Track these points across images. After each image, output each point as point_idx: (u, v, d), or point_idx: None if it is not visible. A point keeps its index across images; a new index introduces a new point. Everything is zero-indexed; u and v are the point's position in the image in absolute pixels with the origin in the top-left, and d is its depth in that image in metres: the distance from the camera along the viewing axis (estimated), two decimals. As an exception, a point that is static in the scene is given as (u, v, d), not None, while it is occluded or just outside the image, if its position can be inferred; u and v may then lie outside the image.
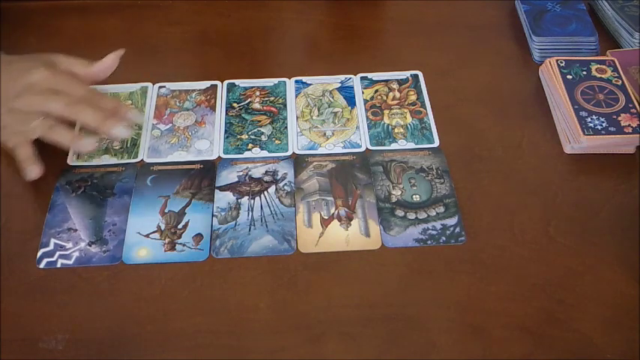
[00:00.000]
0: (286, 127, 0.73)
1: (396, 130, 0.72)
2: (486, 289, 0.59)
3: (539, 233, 0.63)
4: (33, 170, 0.66)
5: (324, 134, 0.72)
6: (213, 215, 0.64)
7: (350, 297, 0.58)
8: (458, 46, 0.83)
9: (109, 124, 0.67)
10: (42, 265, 0.61)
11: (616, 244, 0.62)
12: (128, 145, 0.71)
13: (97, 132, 0.68)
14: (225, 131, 0.73)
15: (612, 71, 0.74)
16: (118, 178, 0.68)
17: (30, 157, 0.66)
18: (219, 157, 0.70)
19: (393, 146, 0.71)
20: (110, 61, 0.72)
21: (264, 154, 0.70)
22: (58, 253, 0.62)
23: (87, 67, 0.71)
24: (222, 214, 0.65)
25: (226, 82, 0.78)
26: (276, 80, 0.78)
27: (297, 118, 0.74)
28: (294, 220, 0.64)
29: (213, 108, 0.75)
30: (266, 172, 0.68)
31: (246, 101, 0.76)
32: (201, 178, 0.68)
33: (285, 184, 0.67)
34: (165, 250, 0.62)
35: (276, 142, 0.71)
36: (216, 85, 0.78)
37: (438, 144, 0.71)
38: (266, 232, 0.63)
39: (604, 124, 0.68)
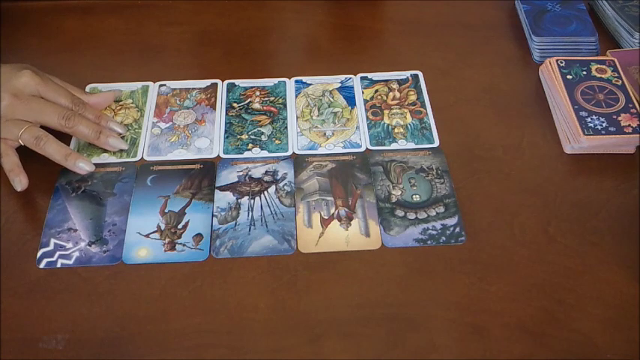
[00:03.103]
0: (286, 127, 0.73)
1: (396, 130, 0.72)
2: (486, 289, 0.59)
3: (539, 233, 0.63)
4: (20, 181, 0.65)
5: (324, 134, 0.72)
6: (213, 215, 0.64)
7: (350, 297, 0.58)
8: (458, 46, 0.83)
9: (104, 136, 0.68)
10: (42, 265, 0.61)
11: (616, 244, 0.62)
12: (128, 143, 0.71)
13: (94, 144, 0.69)
14: (225, 131, 0.73)
15: (612, 71, 0.74)
16: (118, 178, 0.68)
17: (16, 166, 0.65)
18: (218, 156, 0.70)
19: (393, 146, 0.71)
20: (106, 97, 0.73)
21: (264, 154, 0.70)
22: (58, 253, 0.62)
23: (83, 94, 0.71)
24: (222, 214, 0.65)
25: (226, 82, 0.78)
26: (276, 80, 0.78)
27: (297, 118, 0.74)
28: (294, 220, 0.64)
29: (213, 106, 0.75)
30: (266, 172, 0.68)
31: (246, 101, 0.76)
32: (201, 178, 0.68)
33: (285, 184, 0.67)
34: (165, 250, 0.62)
35: (276, 142, 0.71)
36: (216, 84, 0.78)
37: (438, 144, 0.71)
38: (266, 232, 0.63)
39: (604, 124, 0.68)
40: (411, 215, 0.64)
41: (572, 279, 0.60)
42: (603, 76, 0.73)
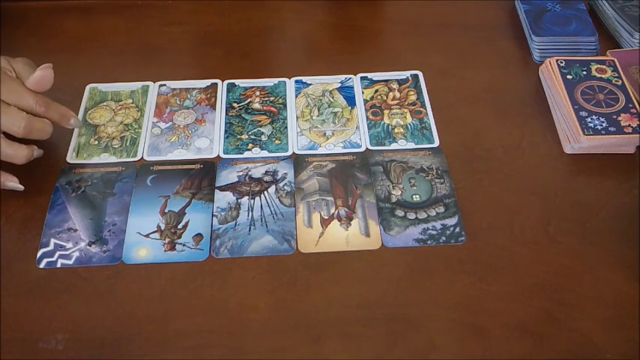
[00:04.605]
0: (286, 127, 0.73)
1: (396, 130, 0.72)
2: (486, 289, 0.59)
3: (539, 233, 0.63)
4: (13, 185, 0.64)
5: (324, 134, 0.72)
6: (213, 215, 0.64)
7: (350, 297, 0.58)
8: (458, 46, 0.83)
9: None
10: (42, 265, 0.61)
11: (616, 244, 0.62)
12: (128, 143, 0.71)
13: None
14: (225, 131, 0.73)
15: (612, 71, 0.74)
16: (118, 178, 0.68)
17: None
18: (218, 156, 0.70)
19: (393, 146, 0.71)
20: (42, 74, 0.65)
21: (264, 154, 0.70)
22: (58, 253, 0.62)
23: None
24: (222, 214, 0.65)
25: (226, 82, 0.78)
26: (276, 80, 0.78)
27: (297, 118, 0.74)
28: (294, 220, 0.64)
29: (213, 106, 0.75)
30: (266, 172, 0.68)
31: (246, 101, 0.76)
32: (201, 178, 0.68)
33: (285, 184, 0.67)
34: (165, 250, 0.62)
35: (276, 142, 0.71)
36: (216, 84, 0.78)
37: (438, 144, 0.71)
38: (266, 232, 0.63)
39: (604, 124, 0.68)
40: (411, 215, 0.64)
41: (572, 279, 0.60)
42: (603, 76, 0.73)
